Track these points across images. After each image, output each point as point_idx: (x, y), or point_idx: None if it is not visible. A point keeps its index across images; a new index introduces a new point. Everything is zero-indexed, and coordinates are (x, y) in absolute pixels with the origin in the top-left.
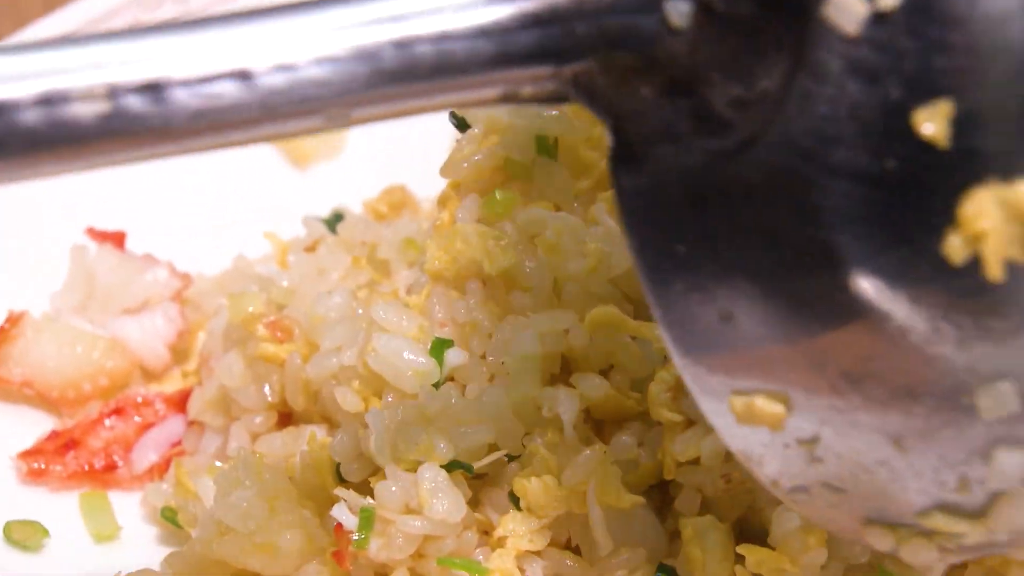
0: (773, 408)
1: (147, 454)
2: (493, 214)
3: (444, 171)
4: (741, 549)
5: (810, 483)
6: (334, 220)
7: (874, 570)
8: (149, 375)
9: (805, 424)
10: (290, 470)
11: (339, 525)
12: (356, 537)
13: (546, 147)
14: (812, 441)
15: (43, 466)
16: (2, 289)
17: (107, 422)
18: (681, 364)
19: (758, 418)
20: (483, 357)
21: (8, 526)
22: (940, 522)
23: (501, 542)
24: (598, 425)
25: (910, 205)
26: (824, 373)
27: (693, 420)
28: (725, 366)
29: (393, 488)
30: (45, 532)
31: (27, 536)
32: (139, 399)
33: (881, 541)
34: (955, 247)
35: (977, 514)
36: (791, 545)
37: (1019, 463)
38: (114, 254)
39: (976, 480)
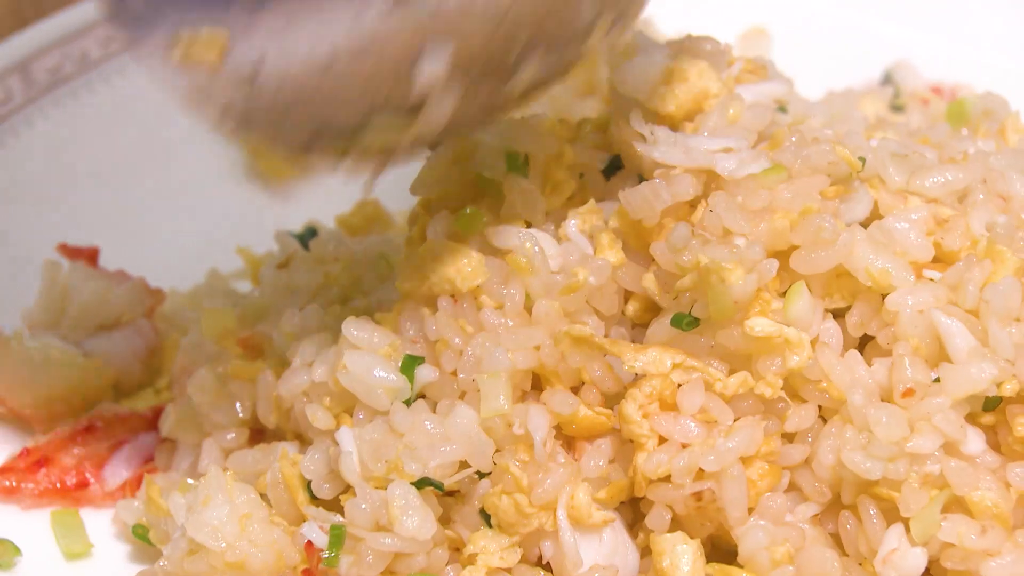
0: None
1: (119, 471)
2: (463, 231)
3: (414, 188)
4: (710, 568)
5: (253, 115)
6: (307, 235)
7: None
8: (121, 392)
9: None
10: (261, 487)
11: (309, 543)
12: (326, 555)
13: (516, 164)
14: (252, 74)
15: (15, 484)
16: None
17: (79, 440)
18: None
19: (197, 57)
20: (454, 374)
21: None
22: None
23: (472, 559)
24: (569, 442)
25: None
26: None
27: (665, 438)
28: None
29: (363, 506)
30: (17, 551)
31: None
32: (111, 416)
33: (325, 161)
34: None
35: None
36: (758, 562)
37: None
38: (87, 271)
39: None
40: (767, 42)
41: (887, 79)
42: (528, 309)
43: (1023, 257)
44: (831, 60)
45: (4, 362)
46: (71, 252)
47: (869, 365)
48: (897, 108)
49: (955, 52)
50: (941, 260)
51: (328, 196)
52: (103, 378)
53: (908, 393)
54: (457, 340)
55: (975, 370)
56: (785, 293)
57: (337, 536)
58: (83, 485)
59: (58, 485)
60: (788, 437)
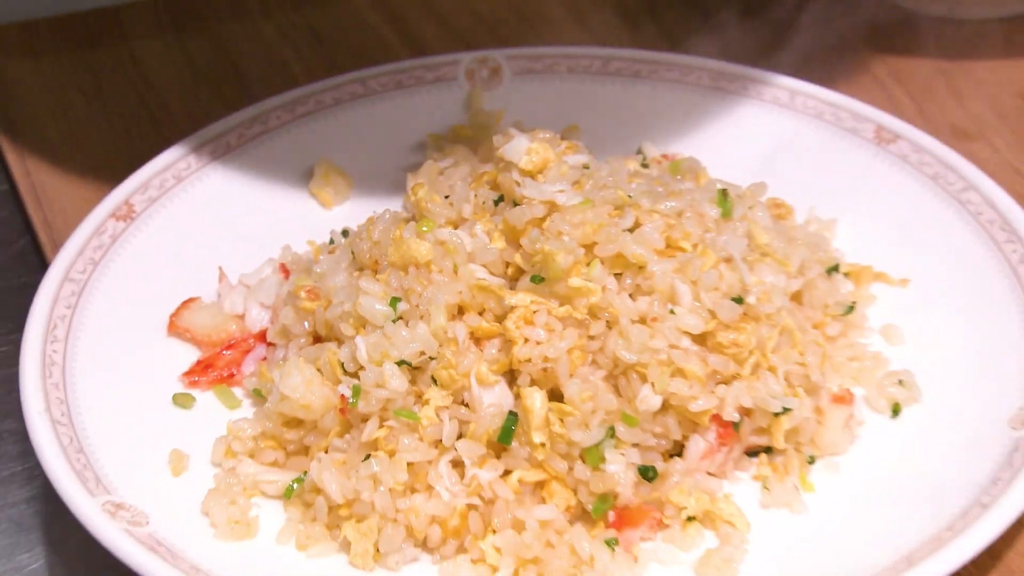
0: None
1: (248, 366)
2: (421, 231)
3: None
4: (551, 404)
5: None
6: (345, 233)
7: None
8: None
9: None
10: (318, 365)
11: (343, 395)
12: (351, 401)
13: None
14: None
15: (196, 378)
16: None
17: (226, 353)
18: None
19: None
20: (417, 307)
21: (175, 396)
22: None
23: (427, 402)
24: (477, 341)
25: None
26: None
27: (527, 338)
28: None
29: (369, 376)
30: (193, 399)
31: (186, 401)
32: (242, 337)
33: None
34: None
35: None
36: (575, 402)
37: None
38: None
39: None
40: (579, 136)
41: (639, 151)
42: (455, 271)
43: (720, 256)
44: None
45: (195, 314)
46: None
47: (634, 302)
48: (645, 166)
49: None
50: (671, 248)
51: (362, 213)
52: (243, 328)
53: (655, 318)
54: (418, 288)
55: (692, 316)
56: (588, 265)
57: (356, 389)
58: (231, 376)
59: (218, 377)
60: (591, 338)
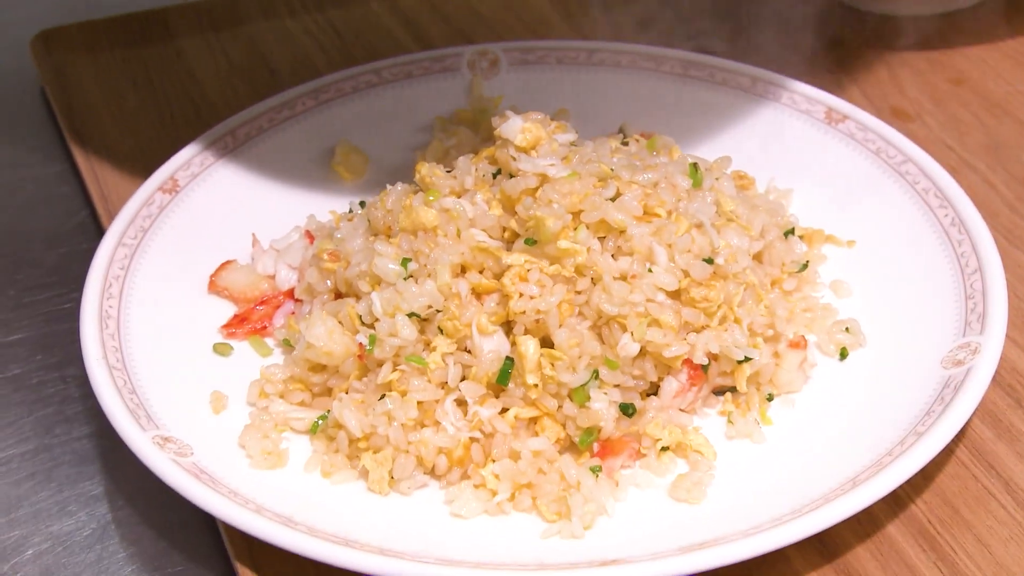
0: None
1: (279, 319)
2: (427, 199)
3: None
4: (543, 351)
5: None
6: (362, 204)
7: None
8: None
9: None
10: (339, 318)
11: (360, 344)
12: (368, 348)
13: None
14: None
15: (234, 330)
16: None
17: (259, 308)
18: None
19: None
20: (425, 266)
21: (215, 345)
22: None
23: (434, 349)
24: (478, 296)
25: None
26: None
27: (522, 293)
28: None
29: (384, 326)
30: (231, 348)
31: (225, 350)
32: (273, 294)
33: None
34: None
35: None
36: (564, 348)
37: None
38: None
39: None
40: (568, 118)
41: (620, 130)
42: (458, 235)
43: (692, 222)
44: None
45: (233, 274)
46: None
47: (616, 261)
48: (625, 143)
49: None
50: (648, 214)
51: (378, 184)
52: (274, 287)
53: (634, 276)
54: (426, 250)
55: (667, 275)
56: (575, 229)
57: (372, 338)
58: (264, 329)
59: (252, 329)
60: (578, 293)
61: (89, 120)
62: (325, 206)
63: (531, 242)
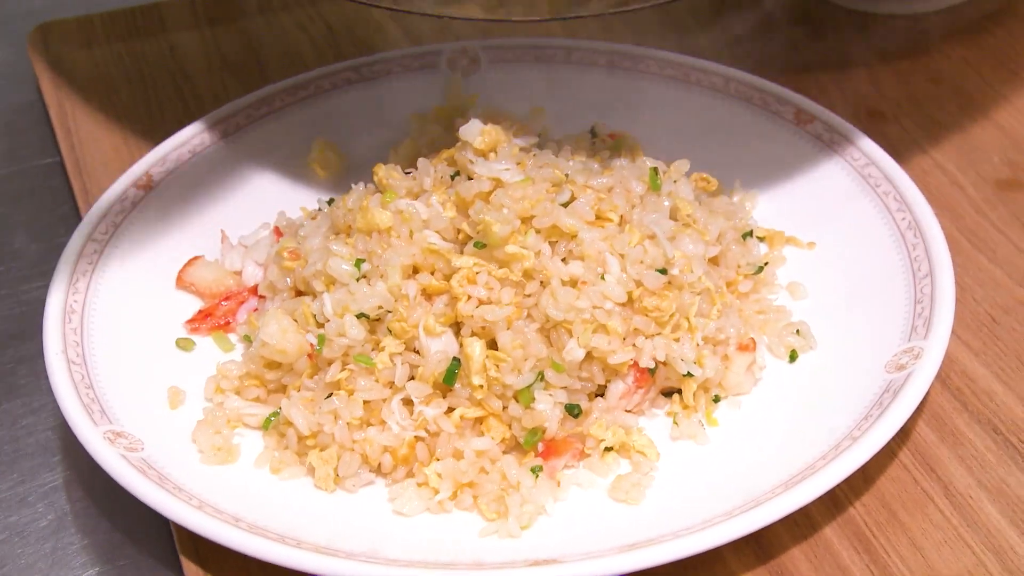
0: None
1: (242, 315)
2: (384, 201)
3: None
4: (488, 353)
5: None
6: (330, 202)
7: None
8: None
9: None
10: (294, 315)
11: (312, 344)
12: (317, 348)
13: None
14: None
15: (197, 325)
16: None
17: (223, 304)
18: None
19: None
20: (377, 267)
21: (178, 340)
22: None
23: (383, 349)
24: (428, 297)
25: None
26: None
27: (470, 296)
28: None
29: (332, 326)
30: (193, 344)
31: (187, 345)
32: (238, 291)
33: None
34: None
35: None
36: (508, 350)
37: None
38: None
39: None
40: (543, 117)
41: (592, 129)
42: (411, 237)
43: (644, 233)
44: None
45: (199, 270)
46: None
47: (567, 265)
48: (595, 142)
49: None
50: (601, 219)
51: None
52: (239, 282)
53: (584, 282)
54: (379, 251)
55: (617, 286)
56: (525, 234)
57: (321, 338)
58: (227, 324)
59: (216, 324)
60: (527, 296)
61: (80, 114)
62: (299, 203)
63: (480, 245)
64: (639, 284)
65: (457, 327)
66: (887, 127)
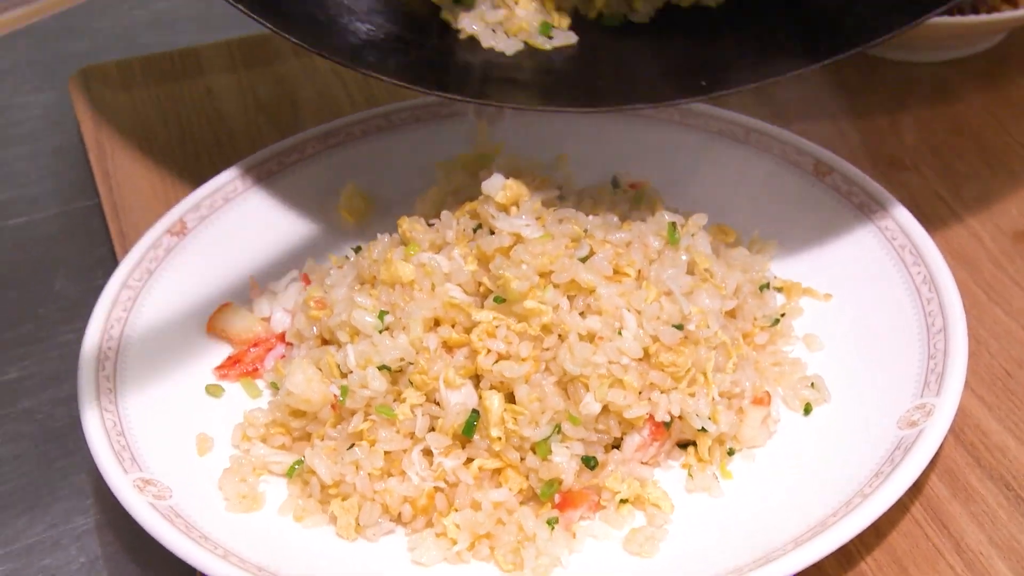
0: None
1: (270, 362)
2: (407, 254)
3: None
4: (506, 406)
5: None
6: (357, 250)
7: None
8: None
9: None
10: (319, 364)
11: (335, 395)
12: (340, 398)
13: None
14: None
15: (226, 372)
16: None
17: (252, 350)
18: None
19: None
20: (399, 319)
21: (207, 387)
22: None
23: (404, 400)
24: (449, 349)
25: None
26: None
27: (490, 349)
28: None
29: (356, 377)
30: (222, 390)
31: (216, 391)
32: (266, 336)
33: None
34: None
35: None
36: (525, 403)
37: None
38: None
39: None
40: (566, 163)
41: (614, 180)
42: (432, 290)
43: (661, 289)
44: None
45: (230, 317)
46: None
47: (585, 319)
48: (616, 192)
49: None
50: (619, 274)
51: (370, 233)
52: (268, 329)
53: (600, 337)
54: (401, 303)
55: (634, 342)
56: (543, 289)
57: (344, 389)
58: (255, 371)
59: (245, 371)
60: (545, 349)
61: (119, 156)
62: (327, 249)
63: (500, 300)
64: (655, 339)
65: (477, 379)
66: (907, 176)
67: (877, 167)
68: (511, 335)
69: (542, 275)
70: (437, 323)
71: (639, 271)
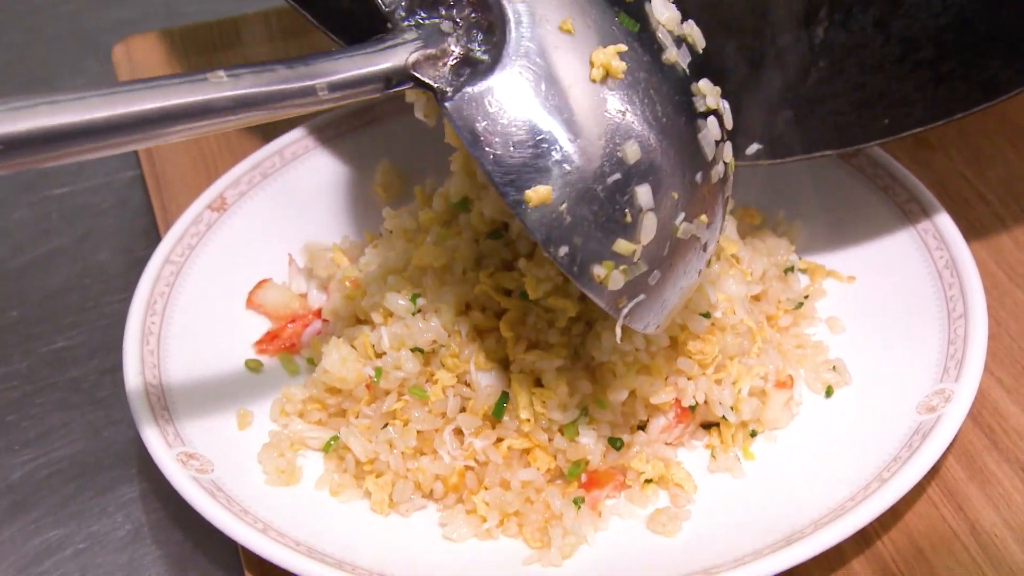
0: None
1: (308, 338)
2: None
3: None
4: (534, 389)
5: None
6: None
7: None
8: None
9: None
10: (353, 343)
11: (370, 376)
12: (374, 379)
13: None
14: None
15: (265, 347)
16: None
17: (290, 326)
18: None
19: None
20: (431, 301)
21: (247, 362)
22: (621, 247)
23: (436, 381)
24: (480, 335)
25: None
26: None
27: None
28: None
29: (389, 359)
30: (261, 365)
31: (255, 366)
32: (304, 313)
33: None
34: None
35: (633, 235)
36: (553, 387)
37: (646, 192)
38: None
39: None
40: None
41: None
42: (464, 274)
43: None
44: None
45: (268, 292)
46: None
47: None
48: None
49: None
50: None
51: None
52: (304, 304)
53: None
54: (434, 286)
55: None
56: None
57: (378, 371)
58: (294, 345)
59: (284, 346)
60: (573, 336)
61: None
62: (363, 226)
63: (524, 296)
64: (683, 328)
65: (506, 362)
66: (933, 156)
67: (904, 147)
68: (540, 322)
69: None
70: (468, 307)
71: None
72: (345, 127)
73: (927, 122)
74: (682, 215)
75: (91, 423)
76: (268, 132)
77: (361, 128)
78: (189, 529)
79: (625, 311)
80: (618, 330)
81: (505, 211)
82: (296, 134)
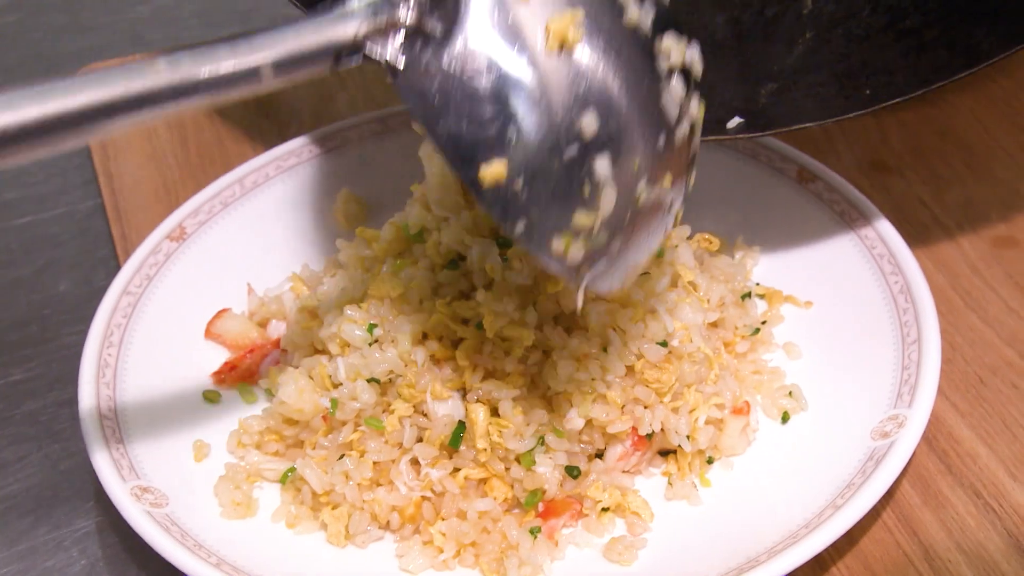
0: None
1: (266, 368)
2: (395, 271)
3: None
4: (491, 419)
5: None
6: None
7: None
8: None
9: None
10: (310, 372)
11: (326, 407)
12: (330, 410)
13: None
14: None
15: (223, 377)
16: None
17: (248, 356)
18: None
19: None
20: (387, 332)
21: (205, 392)
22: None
23: (392, 412)
24: (438, 363)
25: None
26: None
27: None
28: None
29: (345, 391)
30: (219, 395)
31: (213, 397)
32: (263, 343)
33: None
34: None
35: (593, 206)
36: (510, 416)
37: (604, 163)
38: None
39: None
40: None
41: None
42: (420, 304)
43: (645, 309)
44: None
45: (227, 323)
46: None
47: (571, 337)
48: None
49: None
50: None
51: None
52: (264, 335)
53: (585, 355)
54: (390, 316)
55: (618, 361)
56: (524, 309)
57: (334, 402)
58: (253, 375)
59: (241, 376)
60: (529, 365)
61: (121, 158)
62: (323, 254)
63: (480, 327)
64: (640, 356)
65: (463, 391)
66: (891, 179)
67: (862, 170)
68: (497, 351)
69: (523, 298)
70: (425, 336)
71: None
72: (306, 155)
73: (908, 91)
74: (644, 180)
75: (48, 456)
76: (230, 160)
77: (322, 155)
78: (145, 563)
79: (586, 280)
80: (579, 296)
81: (463, 241)
82: (256, 163)
